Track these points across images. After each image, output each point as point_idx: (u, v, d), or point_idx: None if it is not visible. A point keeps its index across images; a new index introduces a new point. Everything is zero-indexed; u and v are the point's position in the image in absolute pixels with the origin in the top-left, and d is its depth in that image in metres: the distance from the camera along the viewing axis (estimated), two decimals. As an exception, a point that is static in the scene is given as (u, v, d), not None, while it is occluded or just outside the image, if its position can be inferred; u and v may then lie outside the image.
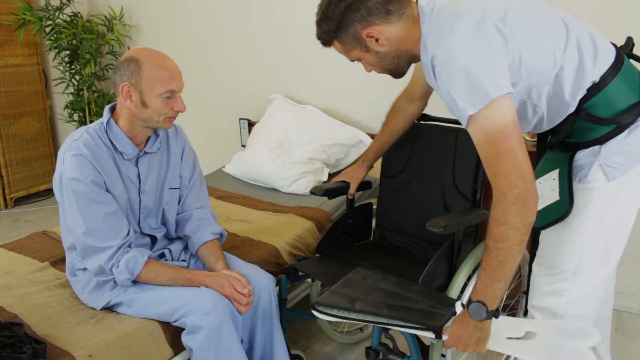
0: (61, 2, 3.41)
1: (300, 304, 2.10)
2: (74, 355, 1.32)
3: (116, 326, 1.46)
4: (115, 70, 1.48)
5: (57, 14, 3.35)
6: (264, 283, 1.62)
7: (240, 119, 3.23)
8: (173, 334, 1.50)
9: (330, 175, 2.68)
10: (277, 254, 1.96)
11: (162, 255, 1.66)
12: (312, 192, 1.95)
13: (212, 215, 1.76)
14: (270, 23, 3.02)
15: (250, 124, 3.17)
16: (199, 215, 1.72)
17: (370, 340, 1.50)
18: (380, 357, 1.48)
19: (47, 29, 3.37)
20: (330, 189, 1.94)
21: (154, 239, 1.68)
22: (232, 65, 3.24)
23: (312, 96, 2.97)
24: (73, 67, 3.53)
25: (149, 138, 1.59)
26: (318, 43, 1.34)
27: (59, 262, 1.81)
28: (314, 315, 1.93)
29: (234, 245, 1.97)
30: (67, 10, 3.49)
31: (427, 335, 1.27)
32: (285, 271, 1.79)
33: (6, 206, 3.77)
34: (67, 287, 1.66)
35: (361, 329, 2.24)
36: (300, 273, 1.80)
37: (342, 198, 2.45)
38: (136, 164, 1.58)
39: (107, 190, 1.50)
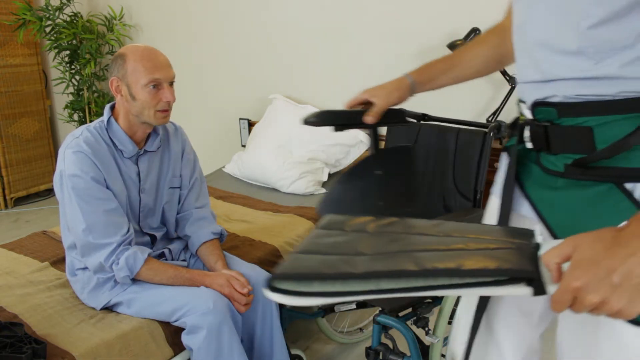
0: (61, 2, 3.41)
1: (300, 304, 2.09)
2: (74, 355, 1.32)
3: (116, 326, 1.46)
4: (108, 70, 1.49)
5: (57, 14, 3.35)
6: (264, 283, 1.61)
7: (240, 119, 3.23)
8: (173, 334, 1.50)
9: (330, 175, 2.68)
10: (277, 254, 1.96)
11: (162, 255, 1.66)
12: (306, 123, 1.29)
13: (212, 215, 1.76)
14: (270, 23, 3.02)
15: (250, 124, 3.17)
16: (199, 215, 1.72)
17: (370, 340, 1.50)
18: (380, 357, 1.48)
19: (47, 29, 3.37)
20: (334, 115, 1.26)
21: (153, 239, 1.68)
22: (232, 65, 3.24)
23: (312, 96, 2.97)
24: (73, 67, 3.53)
25: (149, 137, 1.60)
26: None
27: (58, 262, 1.81)
28: (314, 315, 1.94)
29: (234, 245, 1.97)
30: (67, 10, 3.49)
31: (519, 293, 0.63)
32: (285, 271, 1.78)
33: (6, 206, 3.77)
34: (67, 287, 1.66)
35: (361, 329, 2.24)
36: (300, 273, 1.79)
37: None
38: (136, 162, 1.58)
39: (107, 188, 1.50)
